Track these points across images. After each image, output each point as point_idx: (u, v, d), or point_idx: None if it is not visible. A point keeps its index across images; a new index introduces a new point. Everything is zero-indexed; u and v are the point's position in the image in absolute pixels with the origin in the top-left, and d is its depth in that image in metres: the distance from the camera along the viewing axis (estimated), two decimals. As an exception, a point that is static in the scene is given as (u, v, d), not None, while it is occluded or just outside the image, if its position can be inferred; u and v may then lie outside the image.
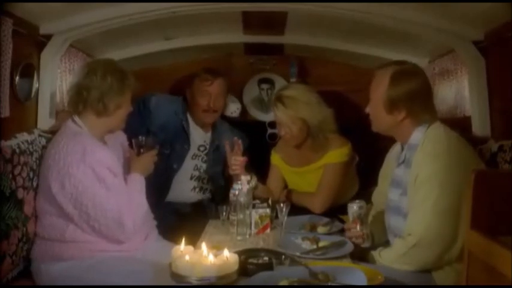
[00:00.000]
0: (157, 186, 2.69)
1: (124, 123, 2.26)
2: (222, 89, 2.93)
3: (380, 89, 2.00)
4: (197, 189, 2.95)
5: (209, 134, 3.00)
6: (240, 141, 2.63)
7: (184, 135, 2.93)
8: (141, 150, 2.27)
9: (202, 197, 2.97)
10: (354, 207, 2.07)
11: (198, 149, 2.97)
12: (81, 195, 2.01)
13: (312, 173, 2.69)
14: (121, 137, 2.38)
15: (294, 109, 2.57)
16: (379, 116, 2.03)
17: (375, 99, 2.03)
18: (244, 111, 3.48)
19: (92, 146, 2.08)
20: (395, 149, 2.17)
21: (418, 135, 1.98)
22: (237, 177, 2.41)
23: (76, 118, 2.16)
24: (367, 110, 2.08)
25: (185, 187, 2.93)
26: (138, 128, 2.66)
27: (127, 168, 2.25)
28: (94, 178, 2.03)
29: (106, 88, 2.12)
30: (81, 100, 2.13)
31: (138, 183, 2.20)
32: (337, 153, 2.64)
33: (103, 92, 2.11)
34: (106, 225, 2.04)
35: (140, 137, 2.29)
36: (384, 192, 2.17)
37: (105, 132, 2.22)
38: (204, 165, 2.96)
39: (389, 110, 1.99)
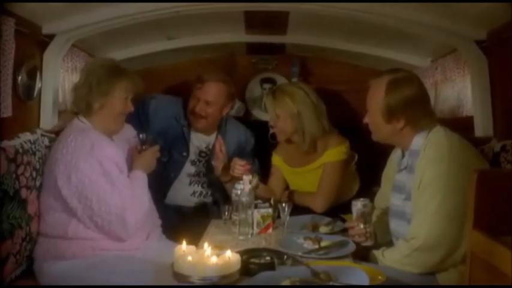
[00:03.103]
0: (156, 191, 2.59)
1: (121, 124, 2.26)
2: (213, 96, 2.74)
3: (377, 99, 2.00)
4: (197, 194, 2.90)
5: (212, 137, 2.88)
6: (220, 138, 2.65)
7: (183, 142, 2.84)
8: (143, 147, 2.28)
9: (204, 200, 2.91)
10: (358, 205, 2.07)
11: (199, 155, 2.89)
12: (87, 189, 2.03)
13: (312, 172, 2.70)
14: (128, 133, 2.37)
15: (278, 100, 2.61)
16: (378, 125, 2.03)
17: (373, 109, 2.03)
18: (246, 111, 3.49)
19: (100, 141, 2.10)
20: (396, 152, 2.16)
21: (419, 140, 1.98)
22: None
23: (81, 117, 2.18)
24: (366, 120, 2.08)
25: (185, 193, 2.88)
26: (138, 132, 2.61)
27: (130, 165, 2.24)
28: (100, 173, 2.04)
29: (86, 88, 2.14)
30: (75, 99, 2.20)
31: (140, 180, 2.20)
32: (335, 151, 2.65)
33: (87, 92, 2.14)
34: (109, 221, 2.05)
35: (141, 135, 2.30)
36: (387, 194, 2.17)
37: (107, 132, 2.22)
38: (204, 170, 2.88)
39: (387, 119, 1.99)
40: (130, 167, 2.24)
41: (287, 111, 2.60)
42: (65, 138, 2.10)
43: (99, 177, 2.04)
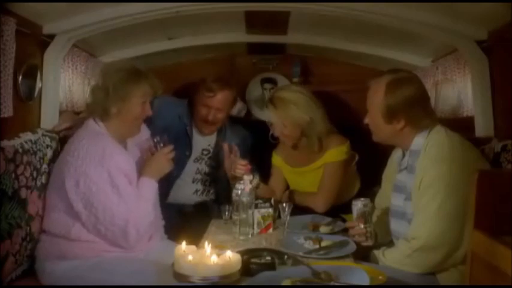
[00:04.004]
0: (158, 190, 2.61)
1: (137, 128, 2.24)
2: (224, 103, 2.81)
3: (377, 99, 2.00)
4: (199, 192, 2.92)
5: (214, 136, 2.93)
6: (236, 148, 2.64)
7: (186, 141, 2.86)
8: (158, 149, 2.23)
9: (205, 198, 2.94)
10: (358, 205, 2.07)
11: (202, 153, 2.92)
12: (93, 197, 2.02)
13: (313, 172, 2.70)
14: (143, 135, 2.33)
15: (283, 110, 2.60)
16: (379, 126, 2.03)
17: (373, 110, 2.03)
18: (247, 110, 3.49)
19: (112, 148, 2.09)
20: (397, 152, 2.16)
21: (419, 140, 1.98)
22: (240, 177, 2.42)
23: (97, 119, 2.17)
24: (366, 120, 2.08)
25: (187, 191, 2.90)
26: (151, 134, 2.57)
27: (140, 170, 2.21)
28: (108, 182, 2.03)
29: (103, 93, 2.13)
30: (91, 103, 2.20)
31: (148, 189, 2.17)
32: (336, 151, 2.65)
33: (103, 97, 2.13)
34: (112, 232, 2.05)
35: (156, 137, 2.26)
36: (387, 194, 2.17)
37: (121, 136, 2.21)
38: (207, 168, 2.92)
39: (388, 120, 1.99)
40: (141, 172, 2.20)
41: (295, 119, 2.59)
42: (78, 141, 2.09)
43: (106, 186, 2.03)
